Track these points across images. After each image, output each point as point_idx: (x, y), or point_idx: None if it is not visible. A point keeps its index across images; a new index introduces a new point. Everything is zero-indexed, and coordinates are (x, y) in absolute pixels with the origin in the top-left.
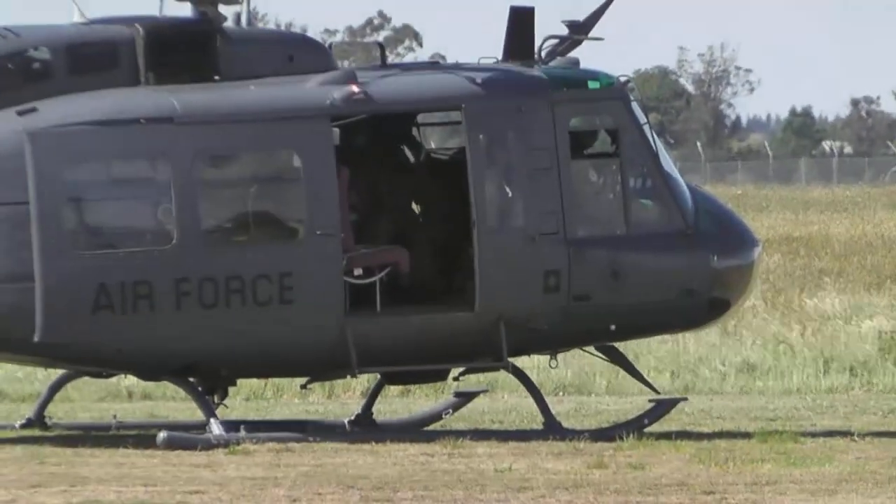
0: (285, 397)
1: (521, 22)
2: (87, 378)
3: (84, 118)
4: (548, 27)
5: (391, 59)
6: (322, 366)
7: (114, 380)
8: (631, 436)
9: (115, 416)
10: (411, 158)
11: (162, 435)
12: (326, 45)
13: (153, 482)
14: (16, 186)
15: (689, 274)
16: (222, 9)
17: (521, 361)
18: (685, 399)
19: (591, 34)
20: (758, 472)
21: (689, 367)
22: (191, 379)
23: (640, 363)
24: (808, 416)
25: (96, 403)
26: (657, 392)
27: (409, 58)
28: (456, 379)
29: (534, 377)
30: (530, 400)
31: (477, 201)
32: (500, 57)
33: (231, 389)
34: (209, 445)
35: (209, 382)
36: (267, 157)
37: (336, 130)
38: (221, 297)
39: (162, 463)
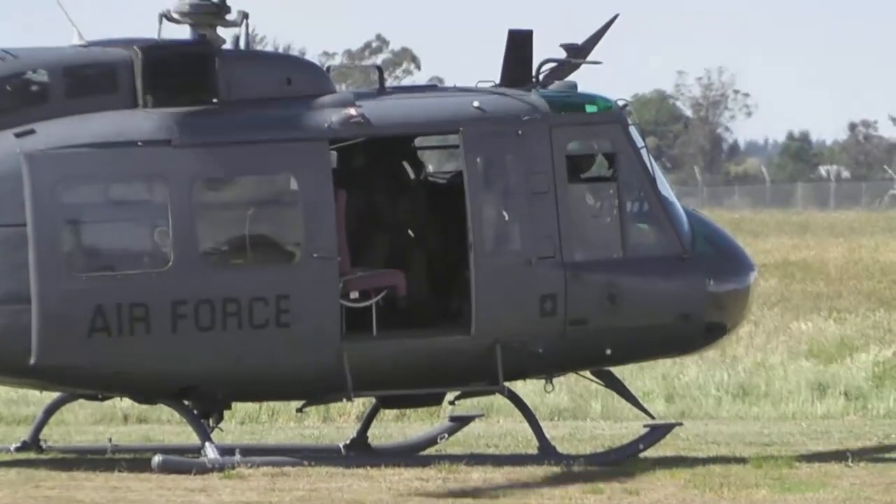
0: (280, 421)
1: (519, 45)
2: (82, 401)
3: (82, 140)
4: (546, 51)
5: (389, 81)
6: (318, 389)
7: (109, 403)
8: (626, 461)
9: (110, 440)
10: (409, 181)
11: (157, 459)
12: (325, 67)
13: None
14: (13, 208)
15: (686, 298)
16: (221, 31)
17: (517, 386)
18: (680, 424)
19: (588, 58)
20: (753, 497)
21: (685, 391)
22: (186, 402)
23: (635, 388)
24: (803, 442)
25: (92, 426)
26: (652, 417)
27: (407, 81)
28: (451, 403)
29: (529, 402)
30: (525, 424)
31: (474, 224)
32: (498, 80)
33: (226, 413)
34: (204, 469)
35: (205, 406)
36: (264, 179)
37: (333, 153)
38: (218, 320)
39: (157, 487)
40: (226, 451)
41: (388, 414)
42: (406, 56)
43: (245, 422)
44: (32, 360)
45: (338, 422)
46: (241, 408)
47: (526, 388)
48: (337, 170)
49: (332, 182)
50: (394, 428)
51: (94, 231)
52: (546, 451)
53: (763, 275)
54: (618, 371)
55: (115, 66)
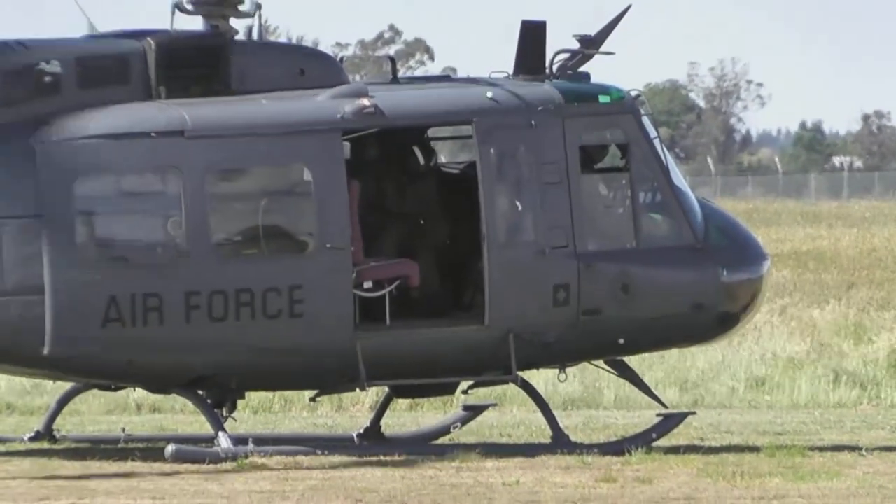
0: (294, 410)
1: (532, 36)
2: (95, 391)
3: (95, 132)
4: (559, 42)
5: (402, 72)
6: (331, 379)
7: (122, 393)
8: (639, 450)
9: (123, 429)
10: (421, 172)
11: (170, 448)
12: (338, 58)
13: (161, 495)
14: (26, 199)
15: (699, 288)
16: (234, 22)
17: (530, 375)
18: (693, 413)
19: (602, 48)
20: (766, 486)
21: (698, 381)
22: (200, 392)
23: (648, 377)
24: (817, 431)
25: (105, 416)
26: (665, 406)
27: (420, 71)
28: (465, 392)
29: (542, 391)
30: (539, 414)
31: (487, 215)
32: (511, 71)
33: (239, 402)
34: (217, 459)
35: (218, 395)
36: (277, 170)
37: (347, 144)
38: (231, 310)
39: (170, 476)
40: (239, 440)
41: (401, 403)
42: (419, 47)
43: (258, 411)
44: (46, 351)
45: (351, 411)
46: (254, 397)
47: (539, 378)
48: (350, 160)
49: (345, 172)
50: (407, 417)
51: (107, 222)
52: (559, 440)
53: (776, 264)
54: (631, 360)
55: (128, 58)
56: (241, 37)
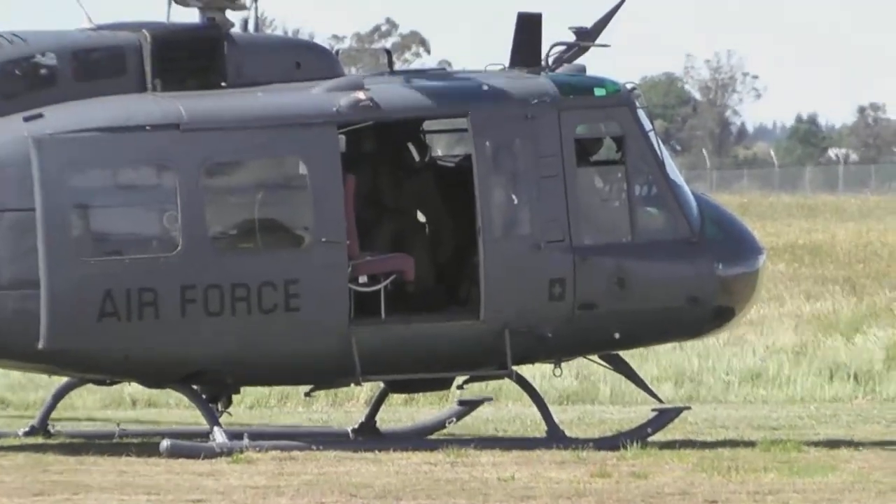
0: (289, 405)
1: (528, 28)
2: (90, 385)
3: (90, 125)
4: (555, 34)
5: (398, 65)
6: (326, 373)
7: (117, 387)
8: (634, 445)
9: (118, 425)
10: (416, 165)
11: (165, 443)
12: (334, 51)
13: (156, 491)
14: (21, 193)
15: (695, 282)
16: (230, 15)
17: (526, 370)
18: (688, 408)
19: (597, 41)
20: (761, 481)
21: (693, 375)
22: (195, 387)
23: (643, 372)
24: (812, 425)
25: (100, 411)
26: (661, 401)
27: (416, 64)
28: (460, 387)
29: (538, 386)
30: (534, 408)
31: (482, 208)
32: (507, 64)
33: (234, 397)
34: (213, 454)
35: (213, 390)
36: (273, 164)
37: (342, 137)
38: (227, 305)
39: (165, 471)
40: (234, 435)
41: (396, 398)
42: (415, 39)
43: (254, 406)
44: (41, 345)
45: (346, 406)
46: (249, 392)
47: (534, 372)
48: (346, 153)
49: (340, 166)
50: (402, 412)
51: (103, 215)
52: (554, 435)
53: (772, 258)
54: (626, 355)
55: (124, 50)
56: (237, 29)
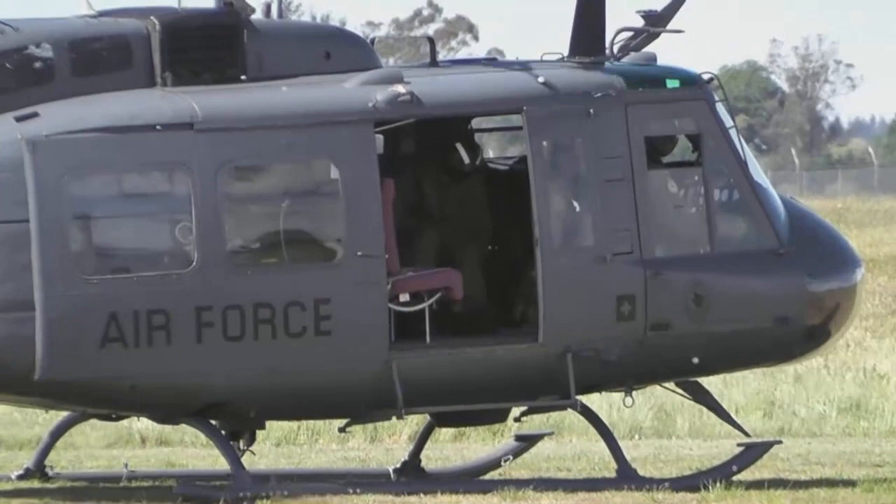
0: (321, 442)
1: (590, 12)
2: (94, 421)
3: (91, 124)
4: (621, 19)
5: (443, 55)
6: (363, 406)
7: (124, 423)
8: (717, 485)
9: (126, 465)
10: (465, 168)
11: (179, 487)
12: (368, 39)
13: None
14: (14, 203)
15: (783, 299)
16: None
17: (591, 399)
18: (779, 442)
19: (669, 26)
20: None
21: (784, 405)
22: (213, 422)
23: (726, 401)
24: None
25: (105, 450)
26: (747, 434)
27: (463, 54)
28: (517, 420)
29: (605, 418)
30: (601, 444)
31: (540, 217)
32: (566, 53)
33: (259, 434)
34: (234, 499)
35: (234, 425)
36: (300, 167)
37: (379, 137)
38: (249, 328)
39: None
40: (259, 477)
41: (444, 433)
42: (462, 25)
43: (281, 444)
44: (37, 376)
45: (387, 442)
46: (275, 427)
47: (602, 402)
48: (383, 156)
49: (377, 169)
50: (451, 449)
51: (106, 228)
52: (625, 475)
53: (871, 271)
54: (707, 382)
55: (130, 40)
56: (258, 15)
